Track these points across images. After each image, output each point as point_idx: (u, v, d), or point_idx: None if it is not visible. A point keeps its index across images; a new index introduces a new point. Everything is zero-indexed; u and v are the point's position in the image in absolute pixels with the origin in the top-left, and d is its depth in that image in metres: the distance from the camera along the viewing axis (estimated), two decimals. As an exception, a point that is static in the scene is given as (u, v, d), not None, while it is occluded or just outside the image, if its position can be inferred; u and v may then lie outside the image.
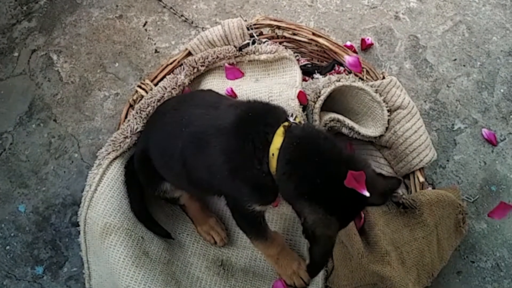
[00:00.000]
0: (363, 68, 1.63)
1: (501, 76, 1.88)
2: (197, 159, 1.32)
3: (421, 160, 1.50)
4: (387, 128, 1.56)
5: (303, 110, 1.52)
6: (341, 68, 1.67)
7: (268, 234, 1.39)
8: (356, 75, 1.62)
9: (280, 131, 1.19)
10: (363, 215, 1.43)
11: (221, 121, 1.26)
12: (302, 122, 1.34)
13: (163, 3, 2.07)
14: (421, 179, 1.51)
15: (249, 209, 1.29)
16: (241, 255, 1.58)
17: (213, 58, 1.69)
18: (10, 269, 1.67)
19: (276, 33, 1.74)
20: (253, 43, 1.71)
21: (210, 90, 1.62)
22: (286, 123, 1.22)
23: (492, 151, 1.76)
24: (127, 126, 1.59)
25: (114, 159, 1.56)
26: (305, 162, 1.15)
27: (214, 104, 1.36)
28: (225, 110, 1.30)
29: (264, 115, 1.25)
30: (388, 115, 1.56)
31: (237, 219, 1.39)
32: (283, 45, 1.72)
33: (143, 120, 1.59)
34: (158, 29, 2.04)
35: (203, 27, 2.01)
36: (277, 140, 1.18)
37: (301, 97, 1.52)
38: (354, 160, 1.17)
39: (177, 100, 1.55)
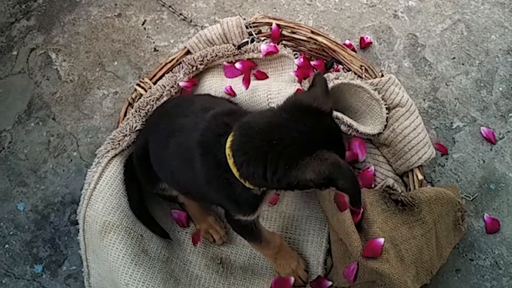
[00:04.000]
0: (362, 66, 1.63)
1: (500, 75, 1.88)
2: (181, 170, 1.33)
3: (420, 158, 1.50)
4: (385, 126, 1.56)
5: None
6: (340, 66, 1.67)
7: (262, 237, 1.38)
8: (355, 73, 1.62)
9: (232, 132, 1.13)
10: (362, 210, 1.44)
11: (195, 132, 1.23)
12: None
13: (162, 2, 2.07)
14: (420, 176, 1.51)
15: (235, 218, 1.29)
16: (240, 253, 1.59)
17: (212, 57, 1.69)
18: (9, 268, 1.67)
19: (275, 32, 1.74)
20: (252, 41, 1.71)
21: (208, 95, 1.62)
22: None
23: (491, 149, 1.76)
24: (126, 124, 1.59)
25: (113, 157, 1.56)
26: (251, 138, 1.08)
27: (197, 113, 1.32)
28: (200, 121, 1.26)
29: (222, 122, 1.20)
30: (387, 113, 1.56)
31: (230, 223, 1.39)
32: (282, 44, 1.72)
33: (142, 118, 1.59)
34: (157, 27, 2.04)
35: (202, 26, 2.01)
36: (229, 140, 1.12)
37: (299, 95, 1.52)
38: (284, 102, 1.13)
39: (173, 104, 1.54)
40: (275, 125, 1.08)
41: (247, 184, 1.13)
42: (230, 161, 1.11)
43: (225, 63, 1.70)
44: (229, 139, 1.12)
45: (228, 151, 1.12)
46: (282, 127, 1.07)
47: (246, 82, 1.63)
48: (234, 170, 1.11)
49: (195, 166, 1.21)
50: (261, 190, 1.18)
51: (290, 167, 1.03)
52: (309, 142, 1.04)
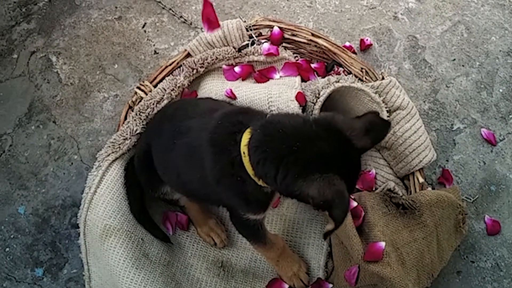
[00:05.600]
0: (362, 68, 1.63)
1: (500, 76, 1.88)
2: (188, 171, 1.33)
3: (421, 161, 1.50)
4: (386, 129, 1.57)
5: (303, 111, 1.52)
6: (340, 69, 1.68)
7: (267, 239, 1.38)
8: (356, 76, 1.62)
9: (248, 130, 1.14)
10: (363, 213, 1.44)
11: (204, 132, 1.23)
12: None
13: (162, 5, 2.07)
14: (421, 179, 1.51)
15: (244, 218, 1.29)
16: (241, 256, 1.58)
17: (212, 59, 1.69)
18: (10, 271, 1.67)
19: (275, 34, 1.74)
20: (252, 44, 1.71)
21: (209, 98, 1.62)
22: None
23: (491, 151, 1.76)
24: (127, 127, 1.59)
25: (114, 160, 1.56)
26: (273, 139, 1.08)
27: (204, 114, 1.33)
28: (209, 120, 1.26)
29: (236, 120, 1.20)
30: (388, 116, 1.56)
31: (235, 225, 1.39)
32: (282, 46, 1.72)
33: (142, 121, 1.59)
34: (157, 30, 2.04)
35: (202, 28, 2.01)
36: (245, 138, 1.12)
37: (300, 98, 1.52)
38: (320, 117, 1.13)
39: (175, 107, 1.54)
40: (301, 133, 1.08)
41: (259, 182, 1.13)
42: (245, 159, 1.12)
43: (224, 66, 1.70)
44: (245, 136, 1.12)
45: (244, 148, 1.12)
46: (307, 137, 1.07)
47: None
48: (249, 168, 1.12)
49: (205, 165, 1.21)
50: (271, 189, 1.18)
51: (298, 177, 1.03)
52: (326, 163, 1.04)
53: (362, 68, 1.63)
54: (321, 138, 1.06)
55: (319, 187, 1.01)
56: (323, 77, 1.66)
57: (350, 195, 1.08)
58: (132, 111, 1.63)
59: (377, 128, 1.13)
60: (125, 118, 1.65)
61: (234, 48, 1.70)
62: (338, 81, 1.55)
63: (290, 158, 1.05)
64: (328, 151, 1.05)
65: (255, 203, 1.23)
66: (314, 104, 1.51)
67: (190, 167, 1.31)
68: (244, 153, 1.12)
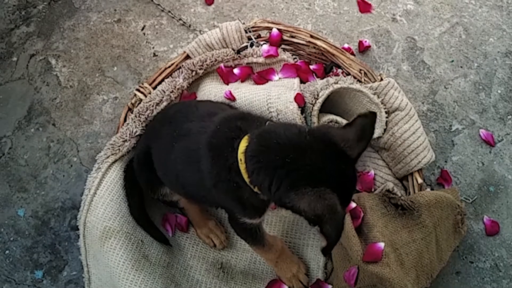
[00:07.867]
0: (361, 70, 1.64)
1: (498, 77, 1.89)
2: (187, 173, 1.33)
3: (419, 162, 1.51)
4: (385, 130, 1.57)
5: (302, 113, 1.53)
6: (339, 70, 1.68)
7: (265, 241, 1.39)
8: (354, 77, 1.63)
9: (246, 137, 1.13)
10: (362, 214, 1.44)
11: (203, 135, 1.23)
12: None
13: (161, 7, 2.08)
14: (420, 180, 1.51)
15: (241, 221, 1.29)
16: (240, 258, 1.59)
17: (212, 61, 1.70)
18: (9, 274, 1.67)
19: (274, 36, 1.74)
20: (251, 46, 1.71)
21: (208, 101, 1.62)
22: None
23: (490, 152, 1.77)
24: (126, 129, 1.59)
25: (113, 162, 1.57)
26: (268, 149, 1.08)
27: (203, 118, 1.34)
28: (208, 124, 1.26)
29: (234, 126, 1.20)
30: (386, 117, 1.57)
31: (233, 227, 1.39)
32: (281, 48, 1.72)
33: (142, 123, 1.60)
34: (156, 32, 2.05)
35: (201, 31, 2.02)
36: (242, 145, 1.12)
37: (298, 99, 1.52)
38: (315, 129, 1.11)
39: (175, 110, 1.54)
40: (295, 144, 1.07)
41: (255, 190, 1.13)
42: (242, 166, 1.11)
43: (223, 67, 1.70)
44: (243, 143, 1.12)
45: (241, 155, 1.12)
46: (301, 150, 1.06)
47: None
48: (245, 176, 1.12)
49: (203, 168, 1.22)
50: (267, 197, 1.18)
51: (290, 189, 1.03)
52: (318, 176, 1.03)
53: (360, 70, 1.64)
54: (314, 150, 1.06)
55: (309, 201, 1.00)
56: (322, 78, 1.66)
57: (345, 209, 1.07)
58: (132, 113, 1.64)
59: (368, 131, 1.11)
60: (125, 120, 1.65)
61: (233, 50, 1.70)
62: (337, 82, 1.56)
63: (283, 170, 1.05)
64: (321, 164, 1.05)
65: (251, 208, 1.23)
66: (313, 106, 1.52)
67: (189, 170, 1.32)
68: (241, 160, 1.12)
